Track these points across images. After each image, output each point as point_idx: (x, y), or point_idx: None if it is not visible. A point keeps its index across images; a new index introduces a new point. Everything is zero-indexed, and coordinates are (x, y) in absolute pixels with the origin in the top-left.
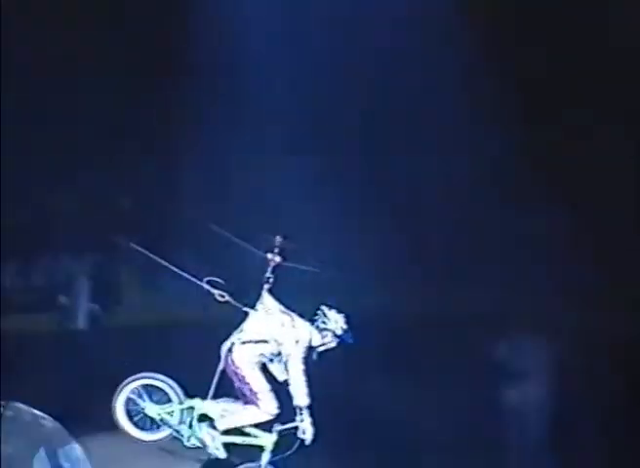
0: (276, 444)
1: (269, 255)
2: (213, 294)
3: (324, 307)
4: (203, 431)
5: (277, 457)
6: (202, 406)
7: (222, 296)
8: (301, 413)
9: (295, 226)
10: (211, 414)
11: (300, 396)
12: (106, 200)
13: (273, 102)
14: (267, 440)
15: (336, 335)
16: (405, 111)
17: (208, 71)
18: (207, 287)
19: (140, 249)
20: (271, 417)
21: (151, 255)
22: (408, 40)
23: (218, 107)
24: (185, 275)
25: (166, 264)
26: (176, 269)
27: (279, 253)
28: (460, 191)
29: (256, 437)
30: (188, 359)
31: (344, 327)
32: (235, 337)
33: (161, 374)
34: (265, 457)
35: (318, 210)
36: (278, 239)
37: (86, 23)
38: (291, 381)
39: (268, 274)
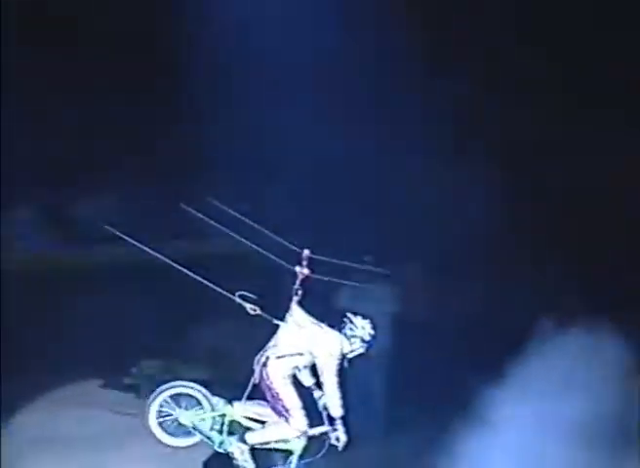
0: (305, 448)
1: (298, 268)
2: (245, 308)
3: (349, 314)
4: (233, 445)
5: (306, 460)
6: (233, 412)
7: (254, 310)
8: (335, 423)
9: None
10: (241, 420)
11: (335, 407)
12: None
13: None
14: (297, 444)
15: (364, 341)
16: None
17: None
18: (239, 300)
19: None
20: (300, 434)
21: (177, 265)
22: None
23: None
24: (217, 288)
25: (196, 277)
26: (206, 282)
27: (307, 266)
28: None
29: (286, 441)
30: None
31: (372, 332)
32: (269, 351)
33: (192, 382)
34: (294, 461)
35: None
36: (306, 252)
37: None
38: (326, 393)
39: (297, 286)
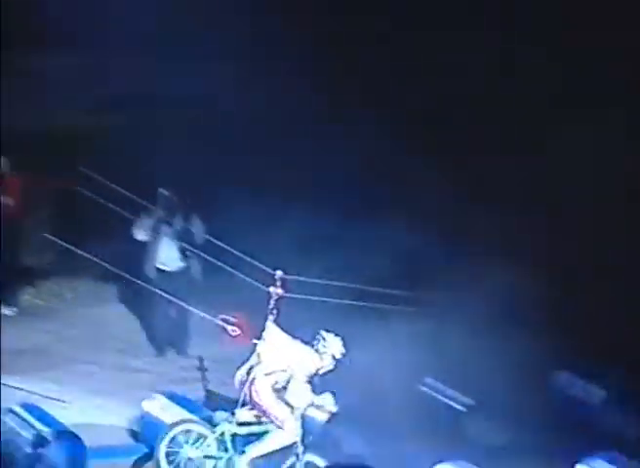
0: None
1: (272, 289)
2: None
3: (322, 332)
4: (241, 462)
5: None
6: (230, 427)
7: (234, 331)
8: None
9: None
10: (240, 430)
11: (308, 399)
12: None
13: None
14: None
15: (334, 358)
16: None
17: None
18: (221, 323)
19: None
20: (296, 438)
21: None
22: None
23: None
24: (199, 312)
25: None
26: (188, 306)
27: (281, 286)
28: None
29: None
30: None
31: (342, 350)
32: (256, 370)
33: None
34: (300, 447)
35: None
36: (279, 273)
37: None
38: (301, 400)
39: (272, 306)
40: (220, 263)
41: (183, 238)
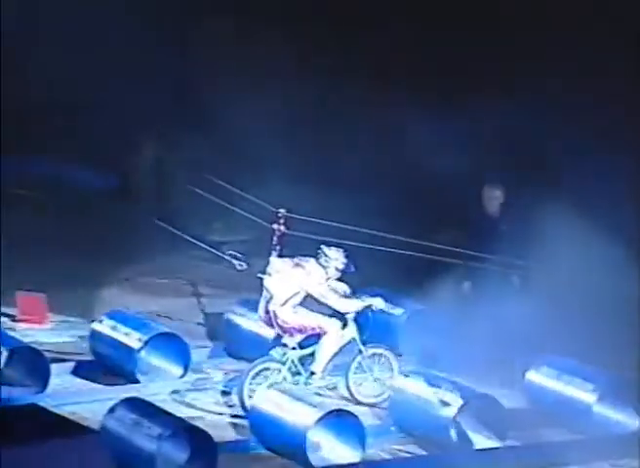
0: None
1: (275, 226)
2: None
3: (323, 246)
4: (314, 384)
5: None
6: (295, 353)
7: (241, 265)
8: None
9: None
10: (300, 352)
11: (353, 306)
12: None
13: None
14: (351, 332)
15: (337, 270)
16: None
17: None
18: (228, 258)
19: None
20: (342, 330)
21: (174, 230)
22: None
23: None
24: (208, 248)
25: (189, 238)
26: (199, 242)
27: (284, 224)
28: None
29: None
30: None
31: (344, 261)
32: (271, 306)
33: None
34: (359, 342)
35: None
36: (282, 211)
37: None
38: (339, 308)
39: (275, 242)
40: (223, 203)
41: None
